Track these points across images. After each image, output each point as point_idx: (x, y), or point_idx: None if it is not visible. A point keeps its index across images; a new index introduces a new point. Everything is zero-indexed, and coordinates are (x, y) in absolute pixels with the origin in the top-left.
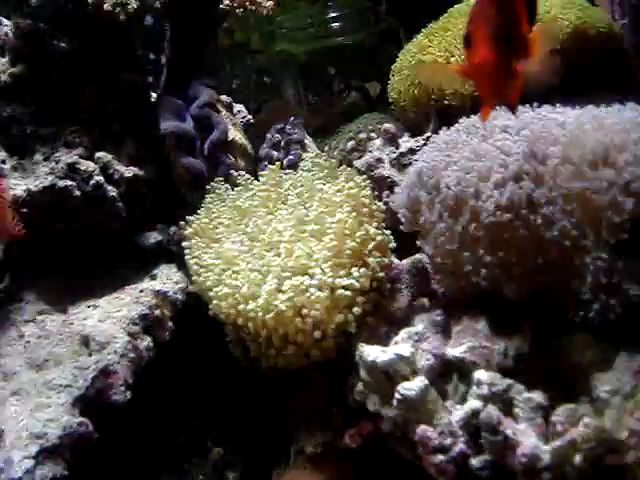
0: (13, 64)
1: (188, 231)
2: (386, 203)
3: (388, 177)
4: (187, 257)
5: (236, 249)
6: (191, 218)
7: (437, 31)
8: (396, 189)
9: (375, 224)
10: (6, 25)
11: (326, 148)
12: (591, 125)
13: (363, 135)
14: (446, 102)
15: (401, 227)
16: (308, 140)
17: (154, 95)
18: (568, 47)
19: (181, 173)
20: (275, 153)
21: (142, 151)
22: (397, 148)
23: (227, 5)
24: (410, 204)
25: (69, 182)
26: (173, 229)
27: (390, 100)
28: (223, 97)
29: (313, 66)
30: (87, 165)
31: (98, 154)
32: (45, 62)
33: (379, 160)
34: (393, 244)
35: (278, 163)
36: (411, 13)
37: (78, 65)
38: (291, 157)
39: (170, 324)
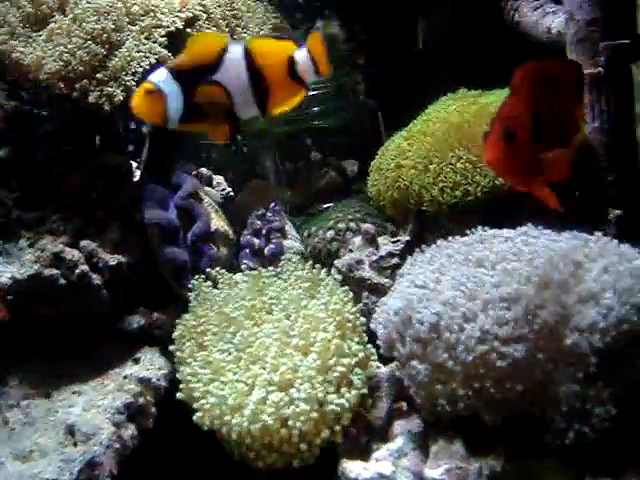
0: None
1: (177, 334)
2: (366, 304)
3: (368, 279)
4: (176, 363)
5: (223, 359)
6: (179, 321)
7: (416, 135)
8: (376, 312)
9: (357, 339)
10: None
11: (305, 233)
12: (563, 262)
13: (342, 225)
14: (424, 208)
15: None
16: (288, 226)
17: (137, 170)
18: None
19: (165, 263)
20: (256, 241)
21: (126, 235)
22: (377, 249)
23: None
24: (386, 338)
25: (54, 271)
26: (156, 315)
27: (369, 195)
28: (203, 170)
29: (291, 138)
30: (72, 254)
31: (83, 243)
32: (30, 145)
33: (359, 262)
34: (375, 356)
35: (260, 270)
36: (389, 94)
37: (62, 147)
38: (272, 247)
39: (153, 410)
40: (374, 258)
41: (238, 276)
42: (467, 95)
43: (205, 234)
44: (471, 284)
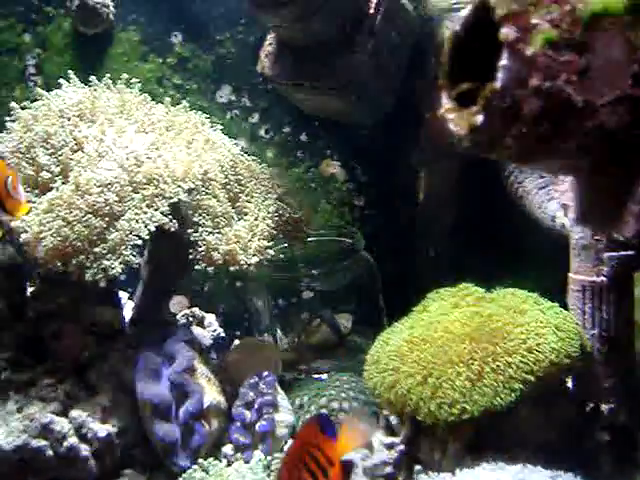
0: None
1: None
2: None
3: None
4: None
5: None
6: None
7: (416, 340)
8: None
9: None
10: None
11: (297, 402)
12: None
13: (335, 405)
14: (419, 419)
15: None
16: (281, 396)
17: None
18: (540, 377)
19: (155, 439)
20: (248, 414)
21: (116, 399)
22: (371, 452)
23: (206, 265)
24: None
25: (42, 442)
26: None
27: (365, 384)
28: (196, 310)
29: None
30: (62, 425)
31: (73, 413)
32: (22, 299)
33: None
34: None
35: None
36: (386, 242)
37: (55, 301)
38: (264, 424)
39: None
40: (368, 464)
41: (230, 470)
42: (470, 292)
43: (198, 413)
44: None
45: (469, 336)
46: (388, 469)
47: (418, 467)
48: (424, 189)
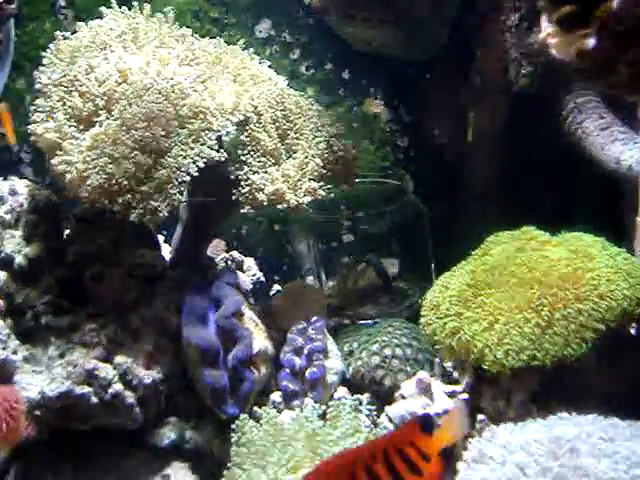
0: (28, 241)
1: None
2: None
3: None
4: None
5: None
6: None
7: (481, 285)
8: None
9: None
10: (22, 194)
11: (346, 349)
12: None
13: (388, 352)
14: (483, 367)
15: None
16: (330, 341)
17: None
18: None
19: (203, 386)
20: (297, 361)
21: (160, 344)
22: (431, 400)
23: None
24: None
25: (87, 389)
26: (189, 433)
27: (423, 330)
28: (235, 254)
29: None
30: (106, 372)
31: (117, 359)
32: (61, 240)
33: (412, 414)
34: None
35: (306, 417)
36: (438, 196)
37: (95, 242)
38: (315, 371)
39: None
40: (429, 412)
41: (283, 418)
42: (534, 236)
43: (247, 358)
44: None
45: (537, 281)
46: None
47: (481, 417)
48: (472, 127)
